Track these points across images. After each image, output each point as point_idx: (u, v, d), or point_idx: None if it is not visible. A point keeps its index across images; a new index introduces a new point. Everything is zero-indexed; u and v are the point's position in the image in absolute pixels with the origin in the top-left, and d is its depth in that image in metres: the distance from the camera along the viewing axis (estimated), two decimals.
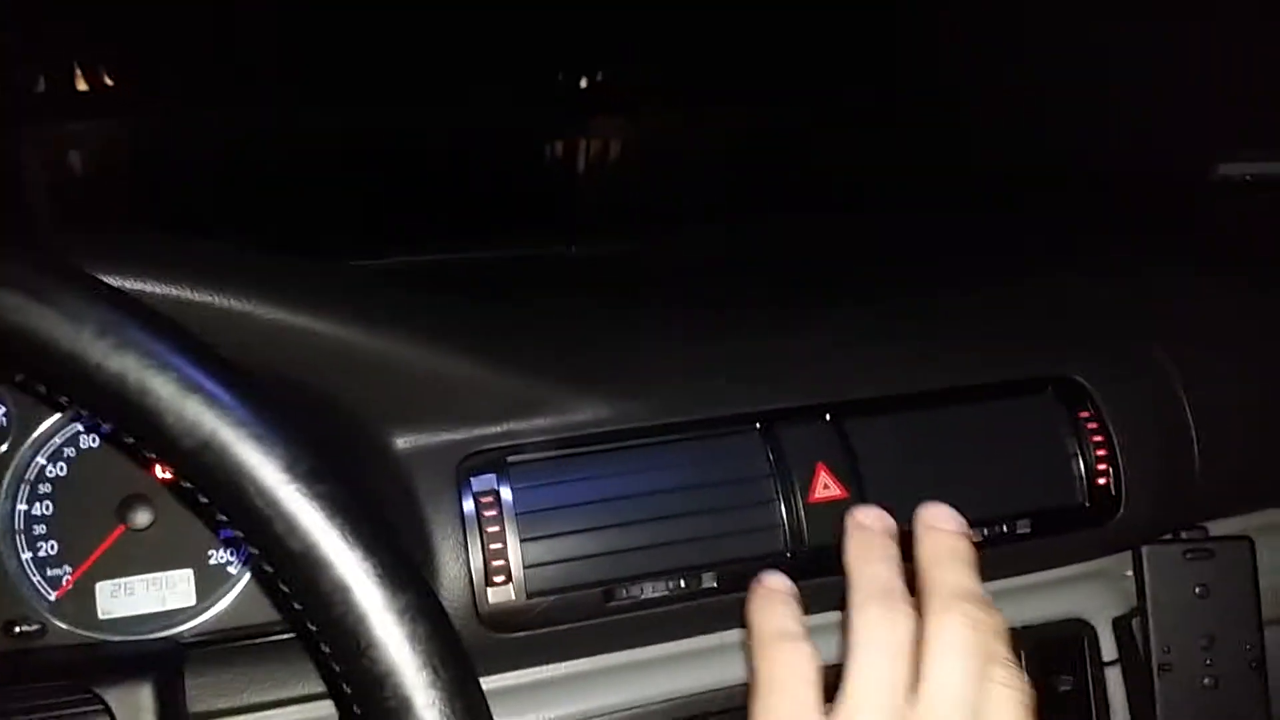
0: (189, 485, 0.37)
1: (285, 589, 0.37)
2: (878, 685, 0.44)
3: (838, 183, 0.95)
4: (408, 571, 0.37)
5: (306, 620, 0.37)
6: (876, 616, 0.46)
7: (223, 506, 0.37)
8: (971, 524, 0.64)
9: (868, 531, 0.51)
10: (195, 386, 0.36)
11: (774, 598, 0.51)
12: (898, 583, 0.49)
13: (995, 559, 0.67)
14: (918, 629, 0.46)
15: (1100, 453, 0.68)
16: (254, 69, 1.18)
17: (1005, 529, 0.66)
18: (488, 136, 1.10)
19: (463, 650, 0.38)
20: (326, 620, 0.36)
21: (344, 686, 0.37)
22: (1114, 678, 0.71)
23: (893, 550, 0.51)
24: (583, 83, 1.20)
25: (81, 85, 1.32)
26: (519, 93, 1.17)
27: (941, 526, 0.51)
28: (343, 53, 1.13)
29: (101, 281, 0.38)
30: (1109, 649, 0.71)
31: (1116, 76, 0.98)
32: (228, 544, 0.65)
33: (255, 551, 0.37)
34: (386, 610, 0.36)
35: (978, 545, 0.64)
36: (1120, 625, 0.71)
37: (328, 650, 0.37)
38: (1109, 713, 0.70)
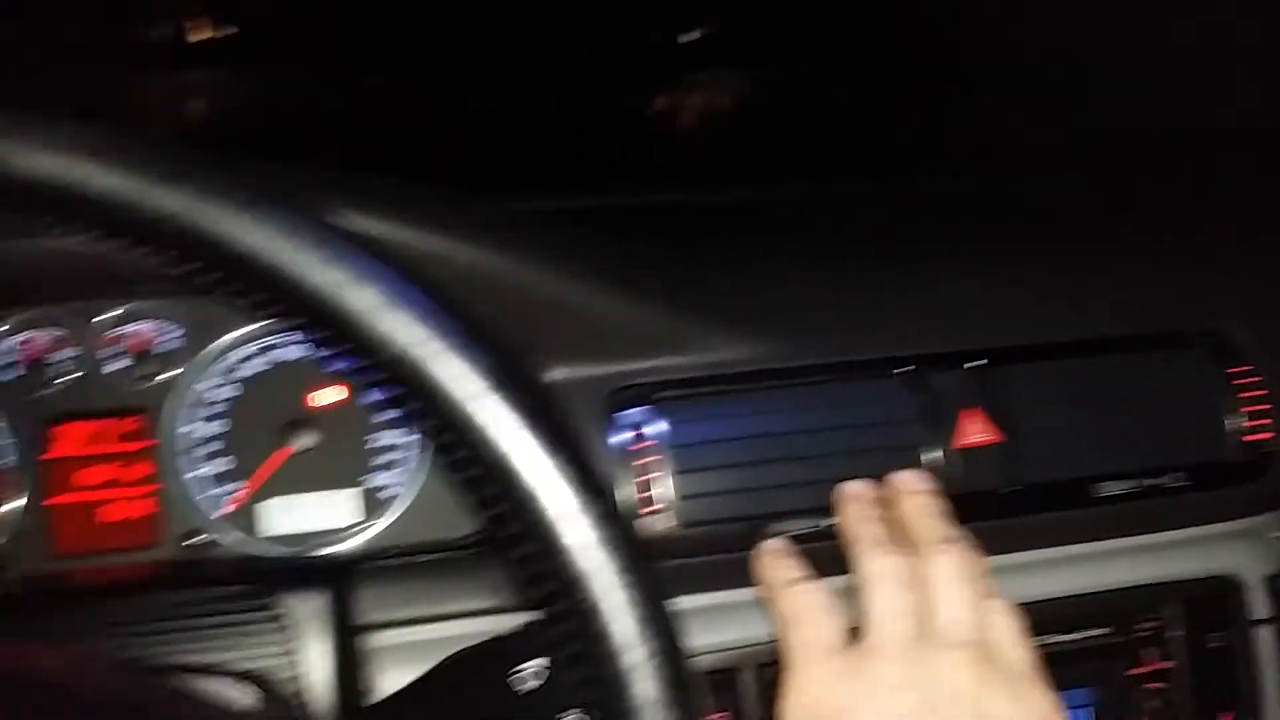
0: (392, 395, 0.38)
1: (482, 494, 0.38)
2: (898, 612, 0.50)
3: (980, 135, 0.94)
4: (599, 480, 0.38)
5: (503, 525, 0.38)
6: (884, 557, 0.52)
7: (424, 414, 0.38)
8: (1121, 475, 0.65)
9: (860, 499, 0.58)
10: (398, 298, 0.37)
11: (778, 554, 0.58)
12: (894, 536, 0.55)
13: (1145, 512, 0.67)
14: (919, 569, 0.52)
15: (1253, 409, 0.67)
16: (377, 24, 1.20)
17: (1156, 482, 0.65)
18: (615, 88, 1.11)
19: (650, 558, 0.39)
20: (523, 525, 0.38)
21: (537, 589, 0.38)
22: (1264, 636, 0.69)
23: (880, 515, 0.57)
24: (699, 33, 1.19)
25: (205, 35, 1.36)
26: (641, 45, 1.17)
27: (917, 488, 0.57)
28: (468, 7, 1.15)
29: (304, 200, 0.40)
30: (1259, 607, 0.70)
31: (1248, 31, 0.95)
32: (386, 468, 0.68)
33: (454, 458, 0.38)
34: (581, 516, 0.37)
35: (1128, 497, 0.64)
36: (1273, 583, 0.70)
37: (523, 554, 0.38)
38: (1258, 671, 0.69)
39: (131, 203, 0.33)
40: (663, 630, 0.38)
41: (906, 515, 0.56)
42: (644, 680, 0.38)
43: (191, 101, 1.23)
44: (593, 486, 0.39)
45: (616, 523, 0.39)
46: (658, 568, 0.39)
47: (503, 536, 0.39)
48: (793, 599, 0.54)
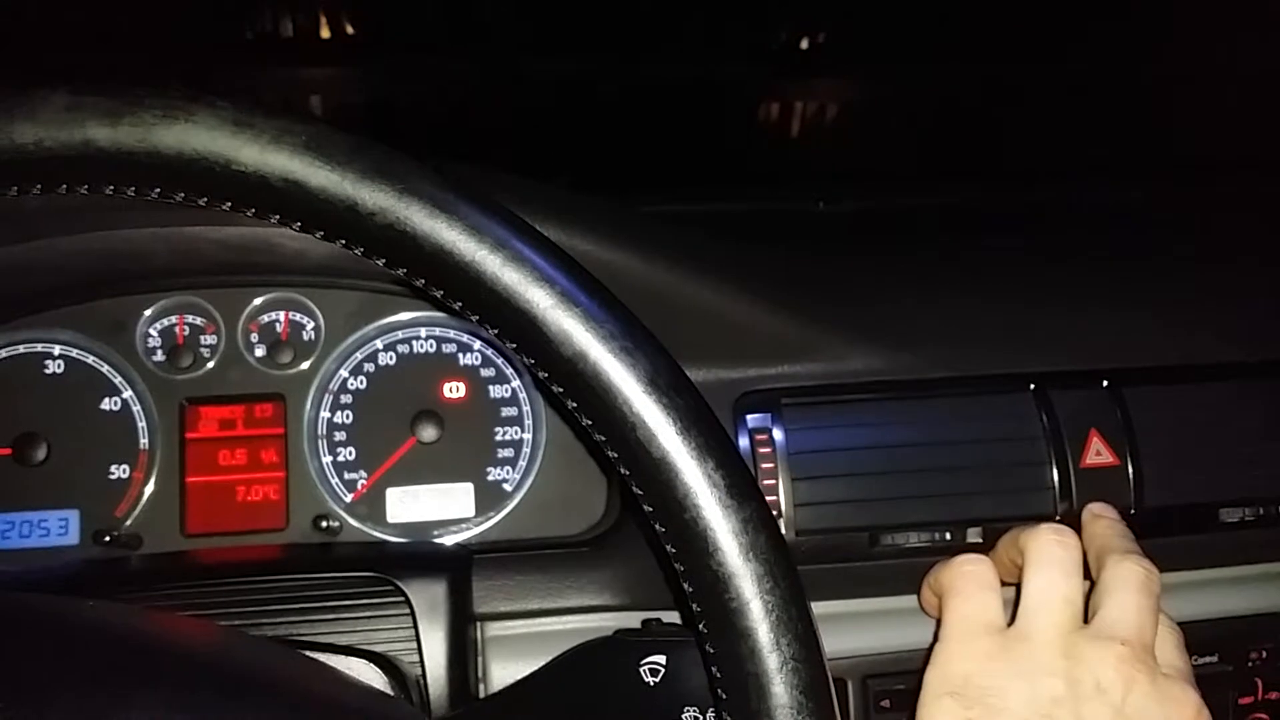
0: (560, 390, 0.40)
1: (640, 491, 0.40)
2: (1055, 598, 0.50)
3: (1117, 152, 0.93)
4: (751, 485, 0.39)
5: (657, 522, 0.40)
6: (1049, 538, 0.52)
7: (590, 411, 0.39)
8: (1242, 502, 0.64)
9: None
10: (574, 300, 0.39)
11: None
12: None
13: (1265, 541, 0.65)
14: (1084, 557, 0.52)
15: None
16: (488, 19, 1.22)
17: (1277, 510, 0.64)
18: (725, 92, 1.12)
19: (794, 564, 0.40)
20: (677, 523, 0.39)
21: (687, 585, 0.39)
22: None
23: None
24: (820, 38, 1.20)
25: (325, 32, 1.40)
26: (756, 52, 1.18)
27: (1107, 515, 0.57)
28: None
29: (493, 199, 0.41)
30: None
31: None
32: (505, 463, 0.70)
33: (615, 455, 0.40)
34: (733, 518, 0.38)
35: (1248, 524, 0.64)
36: None
37: (674, 550, 0.39)
38: None
39: (339, 198, 0.35)
40: (806, 636, 0.39)
41: (1097, 535, 0.56)
42: (782, 684, 0.39)
43: (312, 97, 1.26)
44: (752, 491, 0.40)
45: (772, 527, 0.40)
46: (798, 574, 0.39)
47: (657, 530, 0.40)
48: (958, 570, 0.53)
